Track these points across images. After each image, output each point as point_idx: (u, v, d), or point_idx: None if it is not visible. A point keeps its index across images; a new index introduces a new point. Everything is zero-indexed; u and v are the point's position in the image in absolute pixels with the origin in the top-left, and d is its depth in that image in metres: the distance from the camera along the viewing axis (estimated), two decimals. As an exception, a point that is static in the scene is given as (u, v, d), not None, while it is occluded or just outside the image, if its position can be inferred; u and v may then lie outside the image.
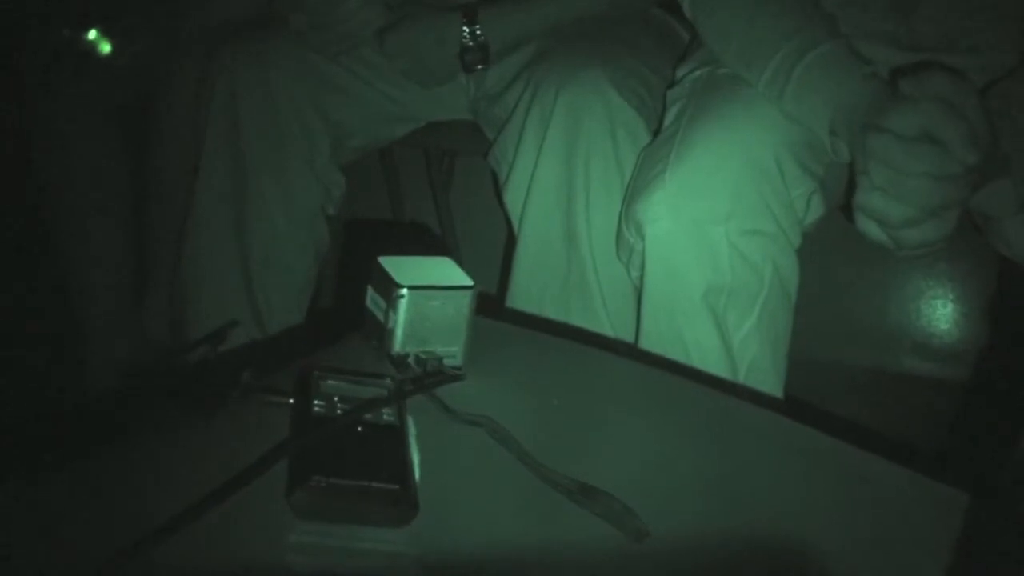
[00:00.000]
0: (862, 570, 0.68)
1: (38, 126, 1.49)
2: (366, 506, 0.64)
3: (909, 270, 1.78)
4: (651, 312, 1.09)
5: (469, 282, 0.84)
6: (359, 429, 0.70)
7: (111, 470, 0.68)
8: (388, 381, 0.77)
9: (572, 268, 1.23)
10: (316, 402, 0.72)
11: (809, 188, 1.09)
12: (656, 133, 1.21)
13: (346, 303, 1.14)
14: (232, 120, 1.37)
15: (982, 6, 1.12)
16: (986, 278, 1.67)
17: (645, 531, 0.66)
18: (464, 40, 1.36)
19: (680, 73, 1.27)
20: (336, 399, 0.72)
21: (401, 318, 0.82)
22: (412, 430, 0.73)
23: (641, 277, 1.09)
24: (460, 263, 0.88)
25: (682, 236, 1.04)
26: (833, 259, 1.50)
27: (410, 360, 0.82)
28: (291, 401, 0.73)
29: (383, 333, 0.83)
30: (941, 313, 1.78)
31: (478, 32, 1.35)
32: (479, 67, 1.38)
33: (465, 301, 0.83)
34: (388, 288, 0.82)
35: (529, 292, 1.26)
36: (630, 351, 1.13)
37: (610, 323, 1.23)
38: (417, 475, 0.68)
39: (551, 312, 1.24)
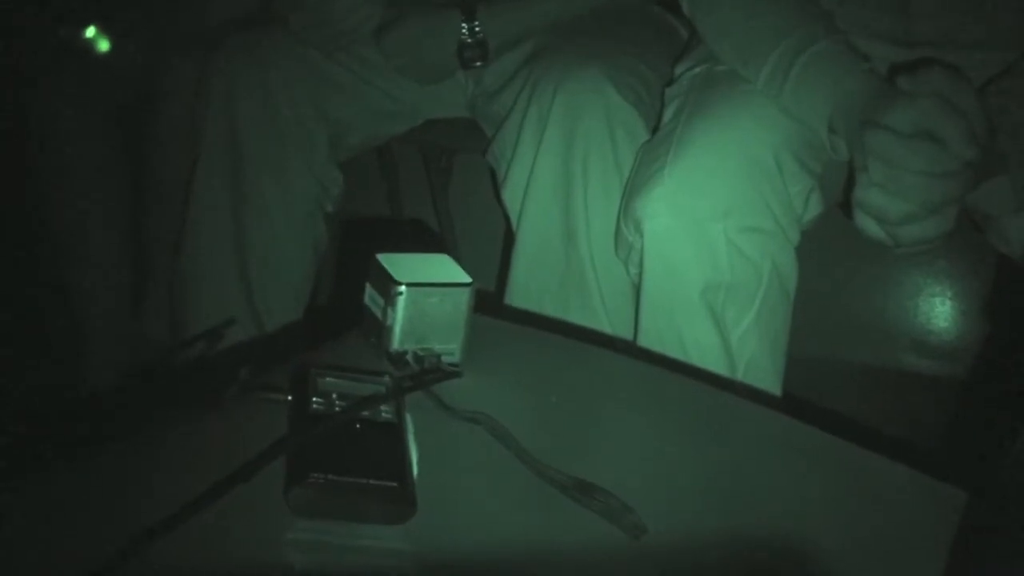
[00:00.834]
0: (860, 568, 0.68)
1: (36, 125, 1.49)
2: (364, 503, 0.64)
3: (908, 267, 1.78)
4: (649, 309, 1.09)
5: (467, 279, 0.84)
6: (357, 426, 0.70)
7: (109, 468, 0.68)
8: (386, 378, 0.77)
9: (570, 265, 1.23)
10: (314, 399, 0.72)
11: (808, 185, 1.09)
12: (654, 130, 1.21)
13: (344, 300, 1.14)
14: (230, 118, 1.37)
15: (979, 2, 1.12)
16: (984, 276, 1.67)
17: (643, 528, 0.66)
18: (462, 37, 1.36)
19: (678, 70, 1.27)
20: (334, 396, 0.72)
21: (399, 315, 0.82)
22: (410, 427, 0.73)
23: (639, 274, 1.09)
24: (458, 260, 0.88)
25: (680, 233, 1.04)
26: (832, 256, 1.49)
27: (408, 357, 0.82)
28: (289, 398, 0.73)
29: (381, 330, 0.83)
30: (939, 310, 1.78)
31: (476, 29, 1.35)
32: (477, 64, 1.38)
33: (463, 298, 0.83)
34: (386, 285, 0.82)
35: (527, 289, 1.26)
36: (628, 348, 1.13)
37: (608, 320, 1.23)
38: (415, 472, 0.68)
39: (549, 309, 1.24)
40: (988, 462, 0.62)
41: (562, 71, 1.23)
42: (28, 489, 0.64)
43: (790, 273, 1.08)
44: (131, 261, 1.57)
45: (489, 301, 1.20)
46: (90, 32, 1.45)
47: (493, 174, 1.35)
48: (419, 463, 0.69)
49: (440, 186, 1.76)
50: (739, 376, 1.07)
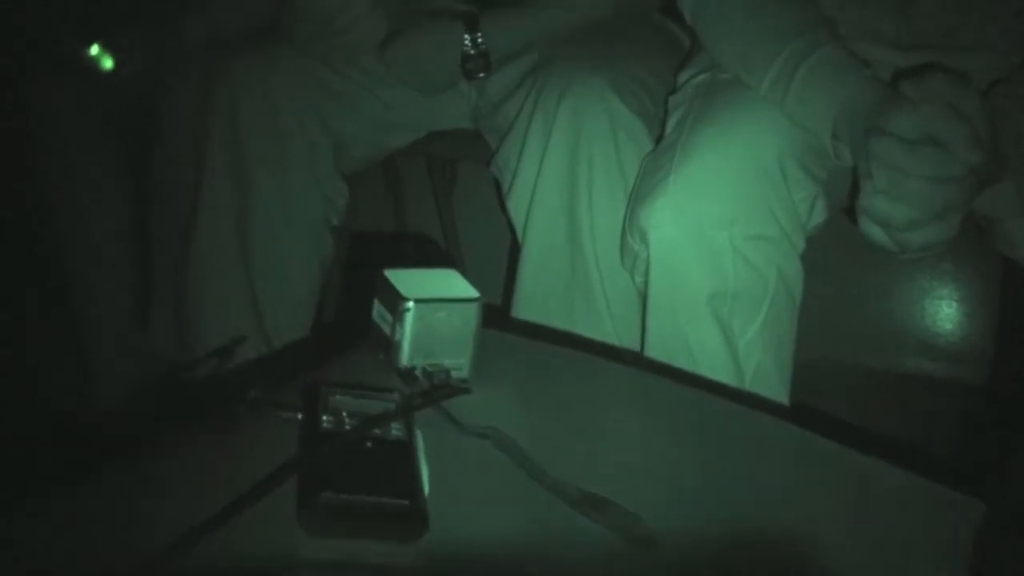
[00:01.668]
0: (871, 577, 0.68)
1: (40, 142, 1.49)
2: (376, 522, 0.64)
3: (913, 273, 1.78)
4: (656, 318, 1.09)
5: (475, 294, 0.84)
6: (368, 444, 0.70)
7: (119, 488, 0.68)
8: (396, 395, 0.77)
9: (576, 274, 1.23)
10: (325, 417, 0.72)
11: (812, 192, 1.09)
12: (659, 139, 1.22)
13: (351, 314, 1.14)
14: (234, 131, 1.37)
15: (978, 2, 1.12)
16: (990, 280, 1.67)
17: (654, 541, 0.66)
18: (465, 48, 1.36)
19: (682, 78, 1.27)
20: (344, 414, 0.72)
21: (408, 331, 0.82)
22: (420, 444, 0.73)
23: (645, 283, 1.09)
24: (464, 272, 0.88)
25: (686, 241, 1.04)
26: (837, 262, 1.49)
27: (417, 373, 0.82)
28: (299, 416, 0.73)
29: (390, 346, 0.83)
30: (945, 316, 1.78)
31: (479, 40, 1.35)
32: (480, 75, 1.38)
33: (471, 313, 0.83)
34: (394, 302, 0.82)
35: (534, 298, 1.26)
36: (636, 360, 1.13)
37: (614, 329, 1.23)
38: (426, 490, 0.68)
39: (555, 318, 1.24)
40: (997, 467, 0.62)
41: (566, 80, 1.23)
42: (38, 508, 0.64)
43: (796, 280, 1.08)
44: (136, 277, 1.57)
45: (495, 311, 1.20)
46: (94, 50, 1.45)
47: (497, 184, 1.35)
48: (430, 480, 0.69)
49: (445, 197, 1.77)
50: (746, 384, 1.06)
